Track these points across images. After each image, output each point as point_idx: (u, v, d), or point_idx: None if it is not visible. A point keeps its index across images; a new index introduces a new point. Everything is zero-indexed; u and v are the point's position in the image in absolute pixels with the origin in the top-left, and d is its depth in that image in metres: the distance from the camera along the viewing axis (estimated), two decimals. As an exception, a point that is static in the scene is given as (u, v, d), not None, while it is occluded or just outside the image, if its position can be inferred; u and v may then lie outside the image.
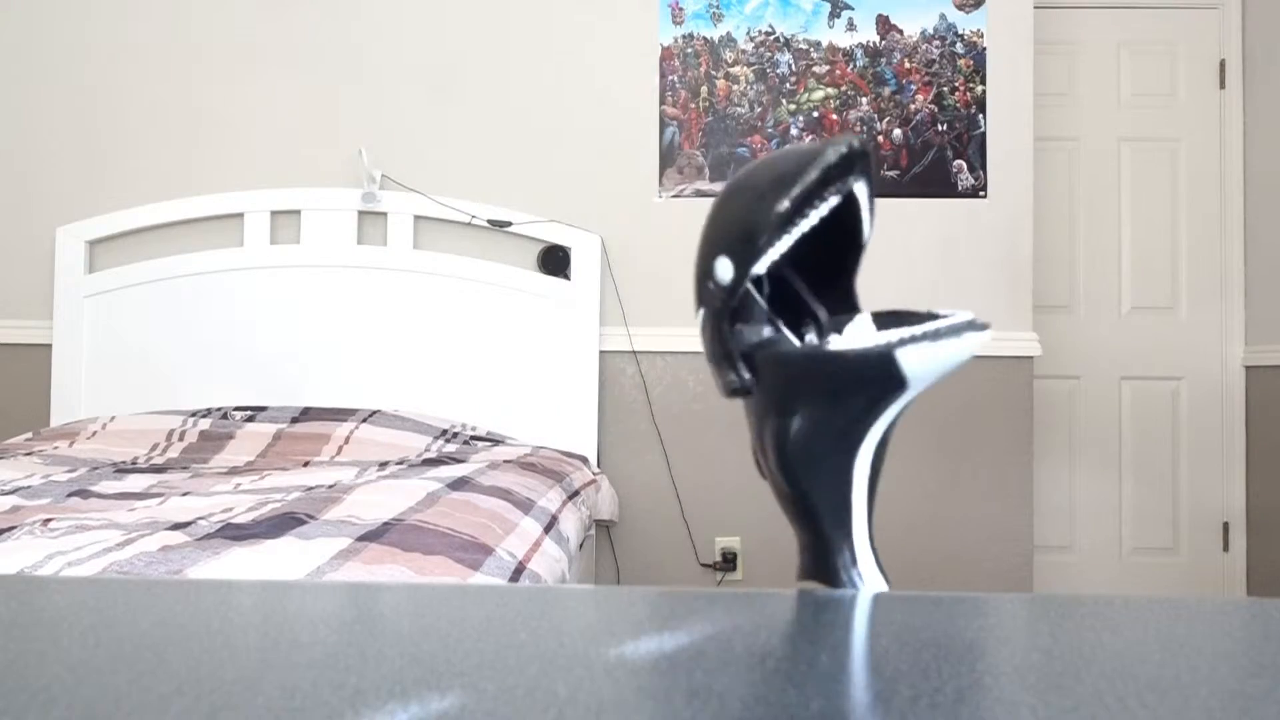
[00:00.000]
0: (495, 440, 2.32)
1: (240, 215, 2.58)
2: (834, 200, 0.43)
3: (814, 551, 0.44)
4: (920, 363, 0.40)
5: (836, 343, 0.42)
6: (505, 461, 1.99)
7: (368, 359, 2.50)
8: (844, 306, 0.48)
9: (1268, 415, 2.89)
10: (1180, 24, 3.04)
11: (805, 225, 0.43)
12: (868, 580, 0.43)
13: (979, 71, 2.55)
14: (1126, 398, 3.01)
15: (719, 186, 2.57)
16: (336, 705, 0.23)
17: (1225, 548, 2.98)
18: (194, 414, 2.30)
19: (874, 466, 0.43)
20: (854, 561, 0.43)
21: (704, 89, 2.58)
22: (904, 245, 2.55)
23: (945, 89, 2.55)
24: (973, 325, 0.40)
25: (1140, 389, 3.01)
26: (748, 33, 2.59)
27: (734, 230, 0.44)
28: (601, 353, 2.55)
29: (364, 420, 2.27)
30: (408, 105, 2.61)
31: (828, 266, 0.48)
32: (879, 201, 2.55)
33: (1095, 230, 3.03)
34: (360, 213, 2.55)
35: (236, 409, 2.35)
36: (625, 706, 0.23)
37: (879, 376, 0.40)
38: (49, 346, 2.59)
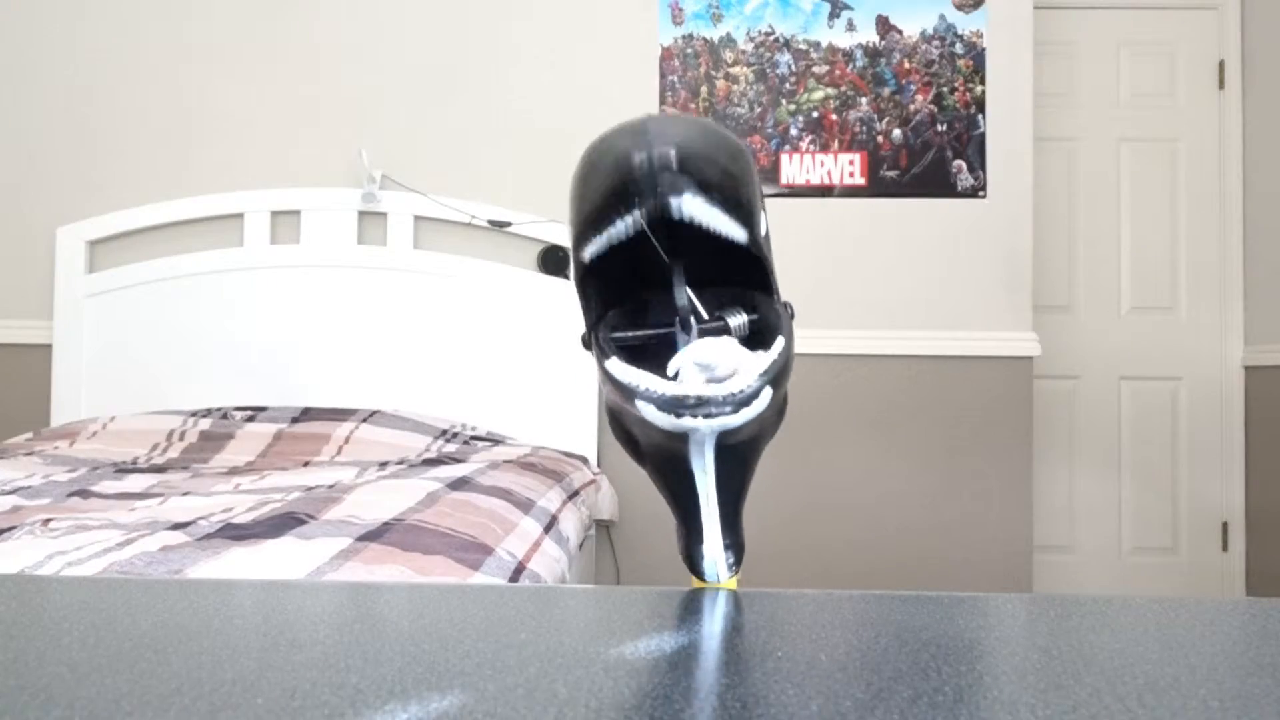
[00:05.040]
0: (495, 440, 2.32)
1: (240, 215, 2.58)
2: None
3: (682, 538, 0.47)
4: (656, 416, 0.38)
5: (612, 367, 0.41)
6: (505, 461, 1.99)
7: (368, 359, 2.50)
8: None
9: (1267, 415, 2.89)
10: (1179, 24, 3.04)
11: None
12: (710, 564, 0.45)
13: (979, 72, 2.55)
14: (1126, 398, 3.01)
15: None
16: (336, 705, 0.23)
17: (1224, 548, 2.98)
18: (194, 414, 2.30)
19: (725, 468, 0.43)
20: (702, 553, 0.45)
21: (704, 89, 2.58)
22: (904, 245, 2.55)
23: (945, 89, 2.55)
24: (712, 403, 0.37)
25: (1140, 389, 3.01)
26: (748, 33, 2.59)
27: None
28: (601, 353, 2.54)
29: (364, 420, 2.27)
30: (408, 105, 2.61)
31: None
32: (880, 202, 2.55)
33: (1095, 230, 3.03)
34: (360, 213, 2.55)
35: (237, 409, 2.35)
36: (625, 706, 0.23)
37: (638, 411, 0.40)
38: (49, 346, 2.59)
